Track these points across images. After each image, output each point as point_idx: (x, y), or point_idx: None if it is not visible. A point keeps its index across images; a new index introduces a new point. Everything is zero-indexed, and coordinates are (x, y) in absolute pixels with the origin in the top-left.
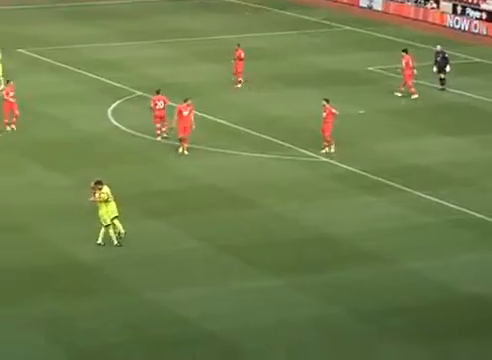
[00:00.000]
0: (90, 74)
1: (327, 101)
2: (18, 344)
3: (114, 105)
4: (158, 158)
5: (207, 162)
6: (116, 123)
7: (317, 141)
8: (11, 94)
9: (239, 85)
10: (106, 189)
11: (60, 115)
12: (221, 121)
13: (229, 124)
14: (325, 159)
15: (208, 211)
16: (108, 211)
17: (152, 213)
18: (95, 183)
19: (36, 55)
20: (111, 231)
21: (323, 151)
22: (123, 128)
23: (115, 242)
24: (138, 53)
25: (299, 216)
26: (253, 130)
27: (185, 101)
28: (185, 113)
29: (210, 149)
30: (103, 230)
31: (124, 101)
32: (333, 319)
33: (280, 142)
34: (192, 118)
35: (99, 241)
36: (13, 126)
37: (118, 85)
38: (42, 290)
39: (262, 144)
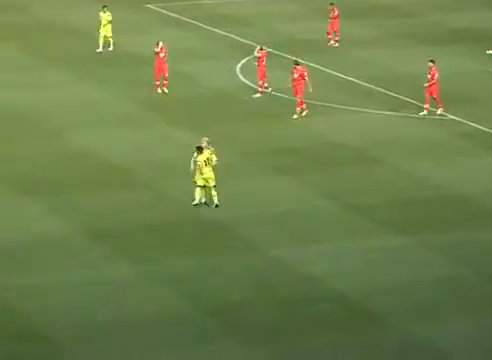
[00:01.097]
0: (218, 30)
1: (433, 62)
2: (147, 301)
3: (243, 62)
4: (287, 116)
5: (337, 120)
6: (244, 80)
7: (446, 100)
8: (162, 55)
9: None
10: (204, 156)
11: (187, 71)
12: (351, 79)
13: (360, 82)
14: (454, 117)
15: (336, 169)
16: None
17: (281, 170)
18: (196, 147)
19: (163, 10)
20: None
21: (438, 111)
22: (252, 85)
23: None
24: (267, 8)
25: (428, 175)
26: (383, 88)
27: (296, 64)
28: (295, 75)
29: (341, 107)
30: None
31: (253, 58)
32: (463, 280)
33: (410, 100)
34: (304, 80)
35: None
36: (165, 88)
37: (247, 41)
38: (170, 247)
39: (392, 102)
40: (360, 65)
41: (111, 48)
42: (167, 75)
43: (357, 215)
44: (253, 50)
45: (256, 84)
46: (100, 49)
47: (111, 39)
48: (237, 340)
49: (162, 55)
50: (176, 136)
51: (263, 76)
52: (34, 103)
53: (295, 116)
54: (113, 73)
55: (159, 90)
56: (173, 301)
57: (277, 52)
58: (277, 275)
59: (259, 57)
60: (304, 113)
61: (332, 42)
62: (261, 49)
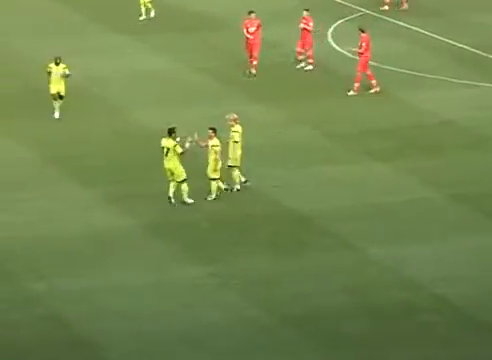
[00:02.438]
0: None
1: None
2: (216, 308)
3: (334, 25)
4: (389, 89)
5: (448, 95)
6: (336, 46)
7: None
8: (251, 30)
9: None
10: (214, 142)
11: (271, 36)
12: (464, 46)
13: (474, 50)
14: None
15: (446, 153)
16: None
17: (375, 155)
18: (209, 128)
19: None
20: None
21: None
22: (344, 52)
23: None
24: None
25: None
26: None
27: (362, 31)
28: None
29: (453, 80)
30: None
31: (346, 21)
32: None
33: None
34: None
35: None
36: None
37: (340, 1)
38: (242, 245)
39: None
40: (475, 30)
41: (153, 14)
42: (256, 55)
43: (468, 208)
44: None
45: (349, 51)
46: (143, 16)
47: (150, 4)
48: (319, 354)
49: (252, 30)
50: (252, 113)
51: (305, 45)
52: (91, 71)
53: (351, 93)
54: (178, 39)
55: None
56: (246, 308)
57: (378, 15)
58: (370, 278)
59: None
60: (372, 90)
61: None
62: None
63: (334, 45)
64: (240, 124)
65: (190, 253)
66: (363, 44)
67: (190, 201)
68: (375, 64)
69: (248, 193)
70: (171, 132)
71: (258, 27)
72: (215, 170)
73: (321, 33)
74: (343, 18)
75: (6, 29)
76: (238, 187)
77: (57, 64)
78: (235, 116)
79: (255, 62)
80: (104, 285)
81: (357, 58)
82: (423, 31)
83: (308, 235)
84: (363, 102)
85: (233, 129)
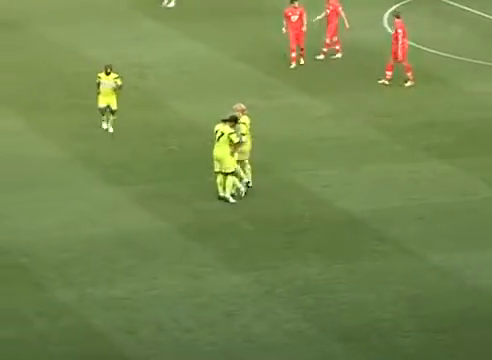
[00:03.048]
0: None
1: None
2: (261, 321)
3: (390, 9)
4: (446, 77)
5: None
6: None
7: None
8: (294, 19)
9: None
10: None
11: (311, 25)
12: None
13: None
14: None
15: None
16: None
17: (438, 151)
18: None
19: None
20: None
21: None
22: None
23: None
24: None
25: None
26: None
27: (397, 17)
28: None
29: None
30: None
31: (404, 5)
32: None
33: None
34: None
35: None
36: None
37: None
38: (290, 251)
39: None
40: None
41: (172, 4)
42: (302, 44)
43: None
44: None
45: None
46: (165, 2)
47: None
48: None
49: (295, 18)
50: (299, 105)
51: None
52: (123, 59)
53: (408, 84)
54: (211, 25)
55: (293, 65)
56: (292, 319)
57: None
58: (429, 287)
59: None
60: (408, 84)
61: None
62: None
63: (390, 31)
64: (248, 115)
65: (231, 258)
66: (399, 30)
67: (232, 201)
68: (433, 51)
69: (296, 193)
70: (232, 120)
71: (301, 15)
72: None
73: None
74: (399, 2)
75: (36, 16)
76: (242, 188)
77: (108, 74)
78: (242, 106)
79: (301, 52)
80: (138, 293)
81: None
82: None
83: (361, 239)
84: (421, 93)
85: (240, 121)
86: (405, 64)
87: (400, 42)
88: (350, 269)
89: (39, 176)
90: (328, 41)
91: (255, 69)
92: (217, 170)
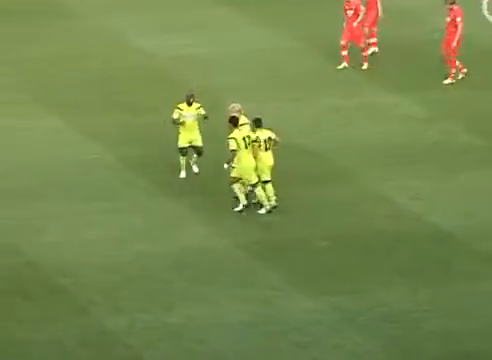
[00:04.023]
0: None
1: None
2: (335, 347)
3: None
4: None
5: None
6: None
7: None
8: (349, 13)
9: None
10: (260, 134)
11: (405, 6)
12: None
13: None
14: None
15: None
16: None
17: None
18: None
19: None
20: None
21: None
22: None
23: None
24: None
25: None
26: None
27: (452, 2)
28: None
29: None
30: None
31: None
32: None
33: None
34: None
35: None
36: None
37: None
38: (368, 269)
39: None
40: None
41: None
42: (363, 45)
43: None
44: None
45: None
46: None
47: None
48: None
49: (350, 13)
50: (385, 106)
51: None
52: (182, 51)
53: (447, 81)
54: (280, 11)
55: (343, 65)
56: (374, 352)
57: None
58: None
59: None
60: (447, 81)
61: None
62: None
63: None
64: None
65: (303, 281)
66: (458, 19)
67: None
68: None
69: (379, 205)
70: (231, 122)
71: (356, 10)
72: None
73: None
74: None
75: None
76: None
77: (190, 104)
78: (239, 107)
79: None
80: (197, 320)
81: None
82: None
83: (453, 258)
84: None
85: (240, 122)
86: (452, 58)
87: (459, 32)
88: (440, 293)
89: (80, 184)
90: (367, 31)
91: (332, 64)
92: (257, 180)
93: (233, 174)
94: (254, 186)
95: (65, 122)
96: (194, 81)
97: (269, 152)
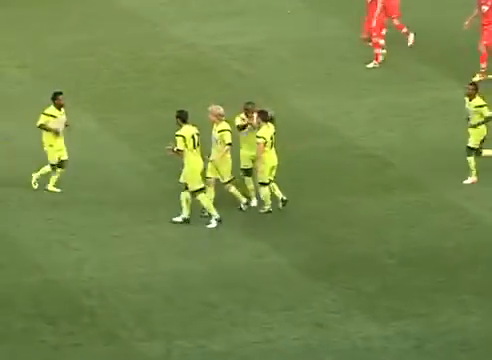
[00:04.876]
0: None
1: None
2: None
3: None
4: None
5: None
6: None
7: None
8: (484, 9)
9: None
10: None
11: None
12: None
13: None
14: None
15: None
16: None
17: None
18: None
19: None
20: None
21: None
22: None
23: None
24: None
25: None
26: None
27: None
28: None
29: None
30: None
31: None
32: None
33: None
34: None
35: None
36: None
37: None
38: (443, 291)
39: None
40: None
41: None
42: (375, 33)
43: None
44: None
45: None
46: None
47: None
48: None
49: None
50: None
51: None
52: (231, 39)
53: (477, 78)
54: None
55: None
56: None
57: None
58: None
59: None
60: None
61: None
62: None
63: None
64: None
65: (366, 302)
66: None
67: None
68: None
69: (452, 216)
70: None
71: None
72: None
73: None
74: None
75: None
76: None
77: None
78: (221, 110)
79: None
80: (246, 347)
81: None
82: None
83: None
84: None
85: (219, 128)
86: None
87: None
88: None
89: (110, 191)
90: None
91: (396, 56)
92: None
93: (180, 179)
94: (196, 193)
95: (94, 120)
96: (238, 74)
97: (273, 150)
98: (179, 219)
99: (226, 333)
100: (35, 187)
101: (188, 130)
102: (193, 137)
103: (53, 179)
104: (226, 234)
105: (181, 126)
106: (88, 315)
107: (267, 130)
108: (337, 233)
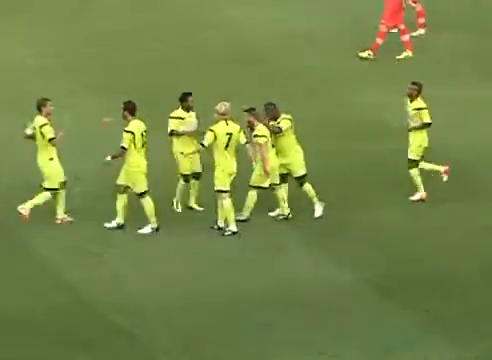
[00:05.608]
0: None
1: None
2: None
3: None
4: None
5: None
6: None
7: None
8: None
9: None
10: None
11: None
12: None
13: None
14: None
15: None
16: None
17: None
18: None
19: None
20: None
21: None
22: None
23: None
24: None
25: None
26: None
27: None
28: None
29: None
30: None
31: None
32: None
33: None
34: None
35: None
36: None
37: None
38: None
39: None
40: None
41: None
42: (402, 27)
43: None
44: None
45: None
46: None
47: None
48: None
49: None
50: None
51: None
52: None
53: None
54: None
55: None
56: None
57: None
58: None
59: None
60: None
61: None
62: None
63: None
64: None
65: (444, 324)
66: None
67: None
68: None
69: None
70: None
71: None
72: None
73: None
74: None
75: None
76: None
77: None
78: (226, 106)
79: None
80: None
81: None
82: None
83: None
84: None
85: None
86: None
87: None
88: None
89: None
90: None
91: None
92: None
93: (118, 181)
94: (143, 195)
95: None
96: (293, 63)
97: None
98: (113, 224)
99: (280, 357)
100: (178, 210)
101: (138, 125)
102: (142, 134)
103: (193, 197)
104: (283, 247)
105: (128, 120)
106: (126, 339)
107: (263, 128)
108: (409, 249)
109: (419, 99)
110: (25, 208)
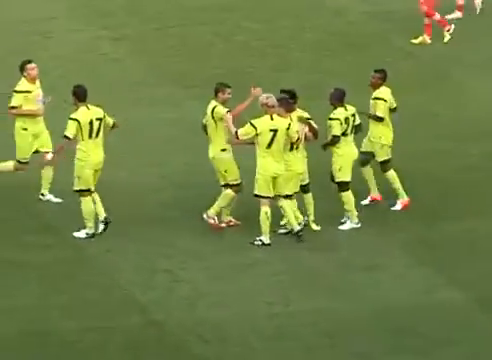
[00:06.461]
0: None
1: None
2: None
3: None
4: None
5: None
6: None
7: None
8: None
9: None
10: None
11: None
12: None
13: None
14: None
15: None
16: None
17: None
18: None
19: None
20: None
21: None
22: None
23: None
24: None
25: None
26: None
27: None
28: None
29: None
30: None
31: None
32: None
33: None
34: None
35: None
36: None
37: None
38: None
39: None
40: None
41: None
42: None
43: None
44: None
45: None
46: None
47: None
48: None
49: None
50: None
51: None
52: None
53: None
54: None
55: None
56: None
57: None
58: None
59: None
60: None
61: None
62: None
63: None
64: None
65: None
66: None
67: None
68: None
69: None
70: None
71: None
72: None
73: None
74: None
75: None
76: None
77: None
78: (272, 98)
79: None
80: None
81: None
82: None
83: None
84: None
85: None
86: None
87: None
88: None
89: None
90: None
91: None
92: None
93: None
94: (85, 194)
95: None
96: (405, 48)
97: (299, 152)
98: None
99: None
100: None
101: (85, 113)
102: (91, 123)
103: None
104: (383, 264)
105: (77, 107)
106: (157, 329)
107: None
108: None
109: (382, 88)
110: (210, 216)
